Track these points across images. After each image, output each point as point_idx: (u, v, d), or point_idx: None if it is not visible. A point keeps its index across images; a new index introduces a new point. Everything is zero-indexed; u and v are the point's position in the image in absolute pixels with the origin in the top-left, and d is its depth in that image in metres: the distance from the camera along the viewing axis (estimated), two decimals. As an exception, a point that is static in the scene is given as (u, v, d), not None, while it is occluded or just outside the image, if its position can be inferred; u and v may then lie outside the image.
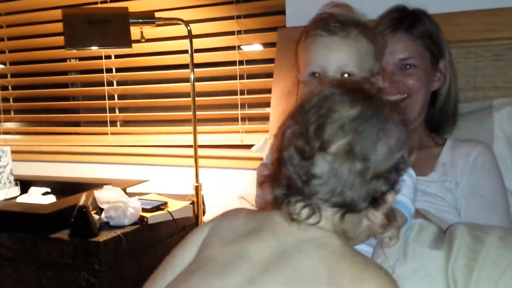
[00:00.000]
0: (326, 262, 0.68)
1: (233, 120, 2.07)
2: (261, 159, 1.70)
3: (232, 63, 2.01)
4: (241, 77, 2.01)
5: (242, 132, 2.03)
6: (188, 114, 1.90)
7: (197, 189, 1.73)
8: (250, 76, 2.03)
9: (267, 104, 1.96)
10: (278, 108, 1.74)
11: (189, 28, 1.70)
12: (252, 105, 2.05)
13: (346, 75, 0.99)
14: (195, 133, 1.74)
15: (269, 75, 1.95)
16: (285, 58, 1.76)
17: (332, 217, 0.72)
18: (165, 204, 1.71)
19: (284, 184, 0.73)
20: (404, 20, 1.29)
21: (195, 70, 1.76)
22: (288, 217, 0.73)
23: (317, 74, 1.01)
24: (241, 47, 2.01)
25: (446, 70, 1.32)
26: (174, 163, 2.09)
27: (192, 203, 1.74)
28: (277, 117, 1.74)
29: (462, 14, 1.50)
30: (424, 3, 1.38)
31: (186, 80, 1.95)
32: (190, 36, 1.71)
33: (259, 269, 0.69)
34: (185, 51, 1.84)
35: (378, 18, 1.37)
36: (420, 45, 1.28)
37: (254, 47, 2.02)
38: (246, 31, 2.00)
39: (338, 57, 1.00)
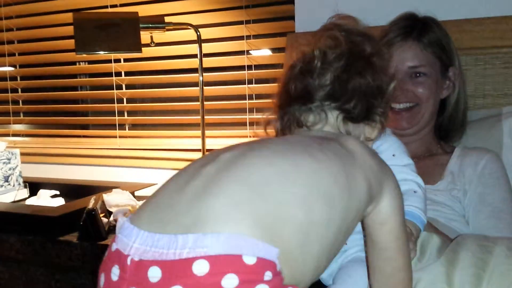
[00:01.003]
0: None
1: (241, 124, 2.08)
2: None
3: (241, 67, 2.02)
4: (250, 82, 2.02)
5: (250, 136, 2.04)
6: (197, 118, 1.91)
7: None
8: (259, 81, 2.03)
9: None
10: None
11: (198, 33, 1.71)
12: (260, 110, 2.05)
13: None
14: (203, 137, 1.75)
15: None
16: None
17: (336, 120, 0.82)
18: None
19: (291, 100, 0.84)
20: (414, 28, 1.29)
21: (204, 74, 1.77)
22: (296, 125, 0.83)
23: None
24: (250, 52, 2.02)
25: (455, 78, 1.33)
26: (182, 167, 2.09)
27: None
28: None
29: (471, 22, 1.51)
30: (433, 10, 1.39)
31: (195, 84, 1.97)
32: (200, 41, 1.73)
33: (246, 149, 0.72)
34: (194, 56, 1.86)
35: (388, 25, 1.37)
36: (430, 53, 1.28)
37: (263, 52, 2.03)
38: (255, 36, 2.01)
39: None
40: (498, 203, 1.14)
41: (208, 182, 0.64)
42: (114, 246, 0.64)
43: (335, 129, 0.82)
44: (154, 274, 0.57)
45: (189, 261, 0.56)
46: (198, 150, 1.81)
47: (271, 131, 0.93)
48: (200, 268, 0.55)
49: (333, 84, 0.81)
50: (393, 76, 0.87)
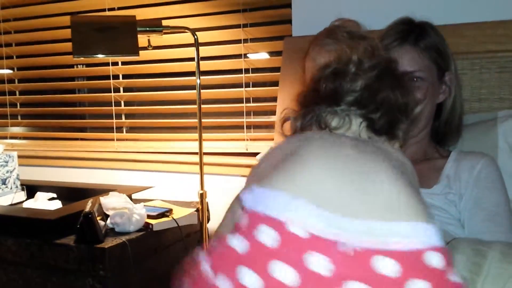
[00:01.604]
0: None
1: (238, 127, 2.08)
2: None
3: (238, 71, 2.03)
4: (247, 85, 2.03)
5: (247, 140, 2.04)
6: (194, 121, 1.91)
7: (202, 196, 1.74)
8: (256, 84, 2.04)
9: (273, 113, 1.98)
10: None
11: (195, 36, 1.71)
12: (257, 113, 2.06)
13: None
14: (200, 140, 1.75)
15: (275, 83, 1.96)
16: (291, 67, 1.78)
17: (358, 128, 0.82)
18: (170, 211, 1.72)
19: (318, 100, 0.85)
20: (410, 32, 1.30)
21: (202, 77, 1.78)
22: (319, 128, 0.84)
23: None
24: (247, 55, 2.02)
25: (452, 82, 1.33)
26: (179, 170, 2.10)
27: (197, 210, 1.75)
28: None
29: (467, 26, 1.51)
30: (429, 14, 1.40)
31: (192, 87, 1.97)
32: (197, 44, 1.73)
33: None
34: (192, 59, 1.86)
35: (384, 29, 1.38)
36: (427, 58, 1.29)
37: (260, 56, 2.04)
38: (252, 40, 2.02)
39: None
40: (494, 207, 1.15)
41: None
42: (297, 230, 0.57)
43: (356, 136, 0.83)
44: (389, 267, 0.52)
45: (420, 252, 0.54)
46: (195, 153, 1.82)
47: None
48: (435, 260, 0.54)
49: (362, 91, 0.82)
50: (419, 100, 0.93)
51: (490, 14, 1.52)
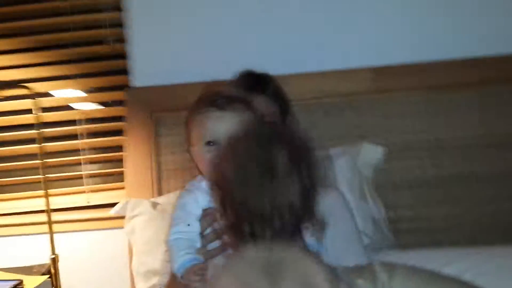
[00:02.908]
0: None
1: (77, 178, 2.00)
2: (123, 217, 1.71)
3: (72, 122, 1.97)
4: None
5: (87, 192, 1.97)
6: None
7: (54, 261, 1.64)
8: (92, 135, 1.99)
9: (114, 161, 1.97)
10: (134, 164, 1.78)
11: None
12: (94, 163, 2.01)
13: None
14: (47, 196, 1.66)
15: (110, 132, 1.96)
16: (136, 117, 1.82)
17: None
18: (20, 282, 1.57)
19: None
20: (257, 83, 1.46)
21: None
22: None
23: (211, 143, 1.08)
24: (81, 105, 1.98)
25: (293, 124, 1.52)
26: (22, 232, 1.93)
27: (50, 276, 1.64)
28: (133, 174, 1.78)
29: (295, 77, 1.76)
30: (261, 66, 1.55)
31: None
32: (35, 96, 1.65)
33: None
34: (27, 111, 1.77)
35: (231, 82, 1.50)
36: (273, 104, 1.45)
37: (94, 106, 2.01)
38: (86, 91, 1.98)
39: (229, 128, 1.06)
40: (347, 232, 1.34)
41: None
42: None
43: None
44: None
45: None
46: (42, 211, 1.71)
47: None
48: None
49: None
50: None
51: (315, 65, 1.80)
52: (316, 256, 0.89)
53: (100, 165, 2.01)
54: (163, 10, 1.90)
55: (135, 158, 1.80)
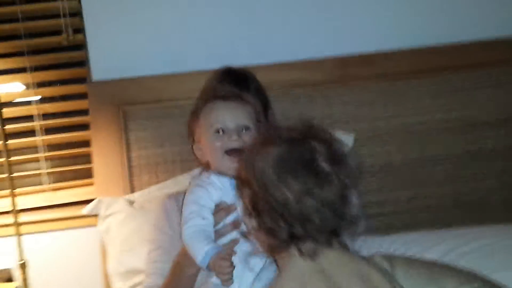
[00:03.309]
0: None
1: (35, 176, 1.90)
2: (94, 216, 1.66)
3: (29, 117, 1.86)
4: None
5: (47, 190, 1.88)
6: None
7: (23, 267, 1.56)
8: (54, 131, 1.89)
9: (77, 158, 1.89)
10: (104, 161, 1.72)
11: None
12: (56, 161, 1.92)
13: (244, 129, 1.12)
14: (13, 196, 1.57)
15: (72, 127, 1.88)
16: (100, 111, 1.75)
17: None
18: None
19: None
20: (242, 80, 1.44)
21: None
22: None
23: (221, 131, 1.12)
24: (39, 99, 1.87)
25: (274, 120, 1.52)
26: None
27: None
28: (103, 170, 1.72)
29: (263, 68, 1.73)
30: (228, 57, 1.59)
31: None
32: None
33: None
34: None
35: (214, 78, 1.48)
36: (257, 100, 1.43)
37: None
38: (40, 84, 1.87)
39: (237, 116, 1.13)
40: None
41: None
42: None
43: None
44: None
45: None
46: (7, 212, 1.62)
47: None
48: None
49: None
50: None
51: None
52: (357, 253, 0.92)
53: (64, 161, 1.92)
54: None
55: (104, 154, 1.74)
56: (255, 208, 0.89)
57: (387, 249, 1.41)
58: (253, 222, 0.91)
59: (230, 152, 1.10)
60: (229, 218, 1.09)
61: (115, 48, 1.84)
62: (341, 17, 1.89)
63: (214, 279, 1.04)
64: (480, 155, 1.84)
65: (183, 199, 1.45)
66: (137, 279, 1.50)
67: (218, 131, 1.12)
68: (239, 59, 1.62)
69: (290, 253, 0.87)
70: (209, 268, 1.01)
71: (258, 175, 0.88)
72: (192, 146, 1.20)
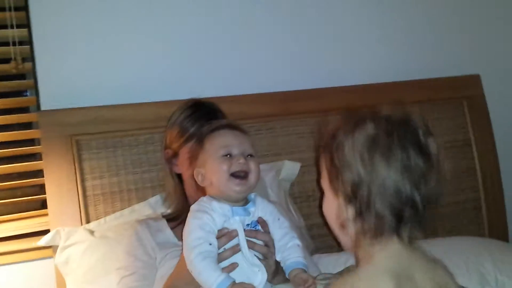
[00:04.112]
0: None
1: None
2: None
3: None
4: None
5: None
6: None
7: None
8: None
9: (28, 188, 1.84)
10: (57, 191, 1.70)
11: None
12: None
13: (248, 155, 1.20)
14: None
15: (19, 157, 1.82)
16: (52, 140, 1.73)
17: None
18: None
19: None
20: (212, 112, 1.53)
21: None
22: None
23: (228, 155, 1.18)
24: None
25: None
26: None
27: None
28: (57, 200, 1.69)
29: (217, 99, 1.82)
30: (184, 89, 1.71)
31: None
32: None
33: None
34: None
35: (182, 110, 1.56)
36: None
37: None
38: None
39: (243, 143, 1.21)
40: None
41: None
42: None
43: None
44: None
45: None
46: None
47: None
48: None
49: None
50: None
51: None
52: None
53: (15, 191, 1.84)
54: (69, 28, 1.85)
55: (58, 184, 1.69)
56: (354, 196, 0.87)
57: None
58: (350, 211, 0.89)
59: (236, 175, 1.16)
60: (229, 244, 1.14)
61: (64, 77, 1.83)
62: (281, 60, 2.10)
63: None
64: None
65: (154, 225, 1.52)
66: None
67: (225, 155, 1.18)
68: (192, 91, 1.68)
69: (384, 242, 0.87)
70: None
71: (362, 159, 0.86)
72: (193, 170, 1.23)
